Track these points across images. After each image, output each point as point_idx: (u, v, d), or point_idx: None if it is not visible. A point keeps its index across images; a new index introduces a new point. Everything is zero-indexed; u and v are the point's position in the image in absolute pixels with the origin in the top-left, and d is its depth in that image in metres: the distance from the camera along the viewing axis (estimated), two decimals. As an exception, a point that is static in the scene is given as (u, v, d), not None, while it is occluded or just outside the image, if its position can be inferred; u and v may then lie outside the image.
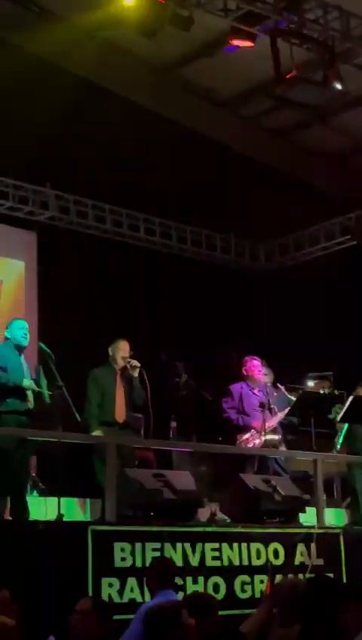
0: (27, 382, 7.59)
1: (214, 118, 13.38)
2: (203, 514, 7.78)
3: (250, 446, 9.09)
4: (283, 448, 9.50)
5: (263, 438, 9.03)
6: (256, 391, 9.34)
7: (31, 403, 7.67)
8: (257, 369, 9.39)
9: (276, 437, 9.24)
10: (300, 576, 6.98)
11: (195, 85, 12.87)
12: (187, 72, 12.51)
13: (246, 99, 13.06)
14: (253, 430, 9.12)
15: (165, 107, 12.78)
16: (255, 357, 9.54)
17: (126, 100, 12.35)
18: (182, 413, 9.93)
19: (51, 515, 7.39)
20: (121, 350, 8.57)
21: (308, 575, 6.95)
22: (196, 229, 13.62)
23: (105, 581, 6.46)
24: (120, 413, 8.34)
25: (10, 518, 7.30)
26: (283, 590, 5.07)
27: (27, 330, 7.87)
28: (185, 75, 12.62)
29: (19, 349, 7.79)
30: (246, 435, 9.15)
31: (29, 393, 7.64)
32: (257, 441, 9.08)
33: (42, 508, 7.66)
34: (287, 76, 9.94)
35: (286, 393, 9.69)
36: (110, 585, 6.47)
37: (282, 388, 9.72)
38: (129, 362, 8.47)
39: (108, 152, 11.95)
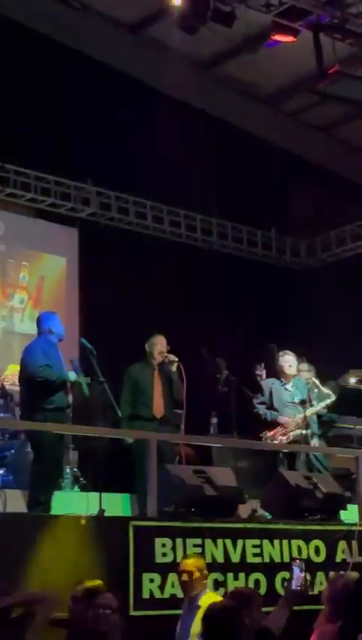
0: (73, 375, 7.58)
1: (256, 114, 13.35)
2: (244, 510, 7.77)
3: (276, 442, 8.96)
4: (315, 443, 9.37)
5: (290, 434, 8.90)
6: (288, 386, 9.16)
7: (71, 398, 7.68)
8: (288, 364, 9.14)
9: (303, 432, 9.02)
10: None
11: (237, 81, 12.84)
12: (229, 68, 12.50)
13: (288, 94, 13.02)
14: (280, 426, 8.97)
15: (207, 103, 12.78)
16: (288, 352, 9.32)
17: (168, 96, 12.37)
18: (223, 409, 9.91)
19: (92, 510, 7.43)
20: (158, 345, 8.54)
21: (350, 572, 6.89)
22: (237, 226, 13.62)
23: (146, 576, 6.47)
24: (158, 408, 8.34)
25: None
26: (336, 587, 5.05)
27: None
28: (227, 71, 12.60)
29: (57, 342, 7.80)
30: (273, 432, 9.01)
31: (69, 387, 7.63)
32: (283, 437, 8.96)
33: (84, 503, 7.68)
34: (329, 71, 9.89)
35: (321, 387, 9.46)
36: (151, 580, 6.47)
37: (317, 381, 9.51)
38: (166, 357, 8.45)
39: (149, 149, 11.98)
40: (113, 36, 11.44)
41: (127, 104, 11.69)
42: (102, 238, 12.66)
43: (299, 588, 4.66)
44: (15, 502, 7.75)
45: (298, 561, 4.75)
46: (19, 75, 10.83)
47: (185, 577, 5.98)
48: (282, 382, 9.16)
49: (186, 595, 5.99)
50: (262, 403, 9.13)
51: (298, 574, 4.67)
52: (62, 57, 10.92)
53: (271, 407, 9.07)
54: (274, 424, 9.04)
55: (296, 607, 4.74)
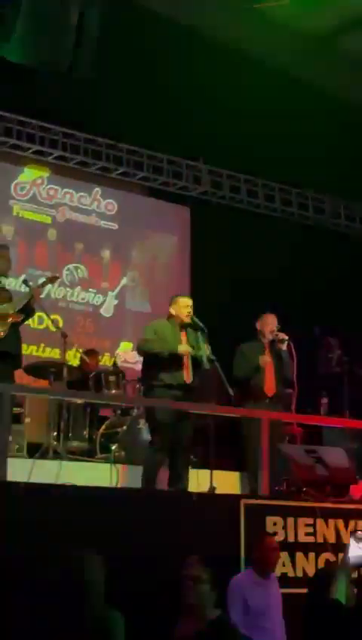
0: (182, 347, 7.61)
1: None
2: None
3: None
4: None
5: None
6: None
7: (185, 376, 7.67)
8: None
9: None
10: None
11: (353, 56, 12.57)
12: (344, 43, 12.24)
13: None
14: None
15: (321, 79, 12.54)
16: None
17: (281, 72, 12.19)
18: (334, 389, 9.81)
19: (203, 488, 7.46)
20: (269, 324, 8.50)
21: None
22: (351, 203, 13.41)
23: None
24: (269, 387, 8.30)
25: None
26: None
27: (191, 308, 7.86)
28: (341, 46, 12.35)
29: (184, 326, 7.80)
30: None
31: (188, 364, 7.63)
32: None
33: (194, 480, 7.72)
34: None
35: None
36: (262, 558, 6.46)
37: None
38: (276, 335, 8.41)
39: (261, 126, 11.85)
40: (225, 13, 11.30)
41: (240, 81, 11.56)
42: (213, 216, 12.64)
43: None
44: (127, 477, 7.85)
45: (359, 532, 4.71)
46: (133, 54, 10.84)
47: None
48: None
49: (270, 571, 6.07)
50: None
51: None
52: (174, 32, 10.85)
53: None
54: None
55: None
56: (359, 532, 4.75)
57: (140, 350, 7.72)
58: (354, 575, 4.94)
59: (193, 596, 4.69)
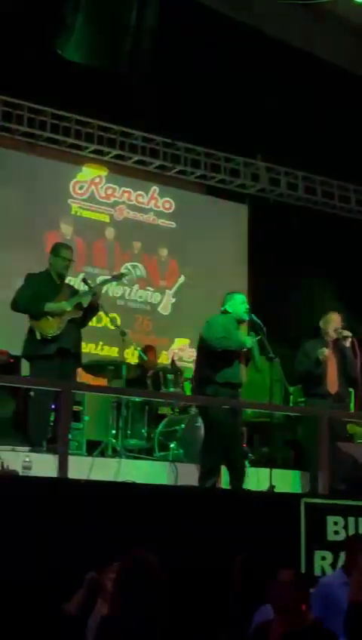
0: (249, 341, 7.59)
1: None
2: None
3: None
4: None
5: None
6: None
7: (242, 375, 7.66)
8: None
9: None
10: None
11: None
12: None
13: None
14: None
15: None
16: None
17: (334, 66, 12.07)
18: None
19: (263, 486, 7.43)
20: (333, 322, 8.44)
21: None
22: None
23: (318, 554, 6.41)
24: (332, 385, 8.24)
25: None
26: None
27: (247, 304, 7.84)
28: None
29: (240, 322, 7.80)
30: None
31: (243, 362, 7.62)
32: None
33: (254, 479, 7.70)
34: None
35: None
36: (323, 558, 6.41)
37: None
38: (340, 333, 8.35)
39: (317, 122, 11.77)
40: (278, 10, 11.23)
41: (295, 77, 11.48)
42: (271, 213, 12.59)
43: None
44: (186, 475, 7.84)
45: None
46: (189, 52, 10.82)
47: None
48: None
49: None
50: None
51: None
52: (233, 30, 10.80)
53: None
54: None
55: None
56: None
57: (218, 347, 7.60)
58: None
59: (287, 598, 4.65)
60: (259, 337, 7.68)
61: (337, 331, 8.32)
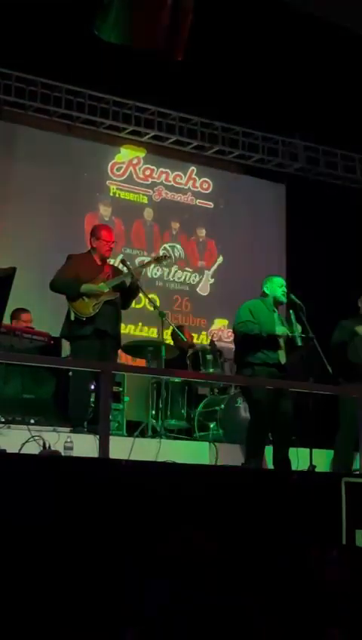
0: (280, 329, 7.59)
1: None
2: None
3: None
4: None
5: None
6: None
7: (282, 356, 7.65)
8: None
9: None
10: None
11: None
12: None
13: None
14: None
15: None
16: None
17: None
18: None
19: (303, 466, 7.43)
20: (372, 301, 8.43)
21: None
22: None
23: (359, 533, 6.37)
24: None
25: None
26: None
27: (285, 288, 7.83)
28: None
29: (277, 305, 7.79)
30: None
31: (282, 345, 7.62)
32: None
33: (294, 459, 7.70)
34: None
35: None
36: (364, 537, 6.42)
37: None
38: (378, 311, 8.33)
39: (358, 101, 11.66)
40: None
41: (335, 58, 11.37)
42: (310, 193, 12.51)
43: None
44: (226, 455, 7.87)
45: None
46: (226, 32, 10.76)
47: None
48: None
49: None
50: None
51: None
52: (273, 8, 10.71)
53: None
54: None
55: None
56: None
57: (239, 331, 7.67)
58: None
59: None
60: (295, 321, 7.67)
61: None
